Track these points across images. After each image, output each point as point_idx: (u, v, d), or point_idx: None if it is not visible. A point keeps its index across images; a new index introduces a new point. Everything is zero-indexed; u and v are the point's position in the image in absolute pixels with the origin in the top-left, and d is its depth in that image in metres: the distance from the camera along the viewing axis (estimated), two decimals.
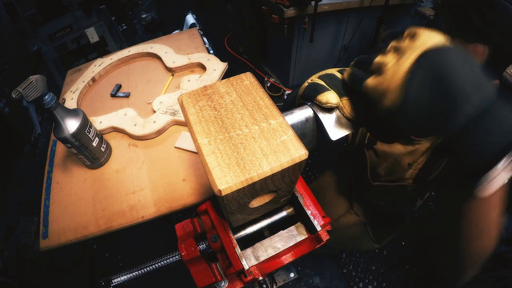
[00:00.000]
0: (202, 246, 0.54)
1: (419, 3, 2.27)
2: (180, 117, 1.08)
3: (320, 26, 2.36)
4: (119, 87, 1.29)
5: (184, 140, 1.03)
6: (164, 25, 3.53)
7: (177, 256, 0.54)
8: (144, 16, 3.25)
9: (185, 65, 1.28)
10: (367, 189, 1.10)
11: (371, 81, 0.39)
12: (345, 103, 0.46)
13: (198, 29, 1.58)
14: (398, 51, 0.37)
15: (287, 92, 2.87)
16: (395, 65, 0.37)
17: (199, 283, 0.55)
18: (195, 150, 0.96)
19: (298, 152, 0.41)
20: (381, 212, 1.15)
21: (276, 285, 0.92)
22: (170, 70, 1.31)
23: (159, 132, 1.06)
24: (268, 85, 2.95)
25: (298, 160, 0.41)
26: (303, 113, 0.51)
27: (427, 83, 0.35)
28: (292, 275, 0.98)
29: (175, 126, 1.09)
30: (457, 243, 0.49)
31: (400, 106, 0.36)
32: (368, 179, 1.04)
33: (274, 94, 2.89)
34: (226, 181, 0.38)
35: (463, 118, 0.34)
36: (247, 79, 0.51)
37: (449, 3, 0.65)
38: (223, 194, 0.38)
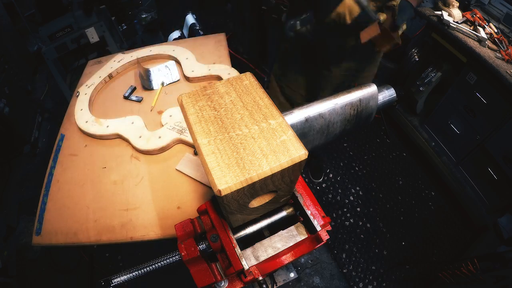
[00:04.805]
0: (202, 246, 0.54)
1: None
2: (187, 137, 1.01)
3: None
4: (133, 89, 1.23)
5: (186, 164, 0.98)
6: (164, 25, 3.53)
7: (177, 256, 0.54)
8: (144, 16, 3.24)
9: (203, 76, 1.22)
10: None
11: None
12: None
13: (225, 35, 1.48)
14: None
15: None
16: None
17: (199, 283, 0.55)
18: (196, 178, 0.93)
19: (298, 152, 0.41)
20: None
21: (276, 285, 0.92)
22: (187, 78, 1.25)
23: (163, 150, 1.02)
24: None
25: (298, 160, 0.41)
26: (302, 113, 0.51)
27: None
28: (292, 275, 0.98)
29: (180, 145, 1.04)
30: None
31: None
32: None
33: None
34: (225, 181, 0.38)
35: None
36: (246, 79, 0.51)
37: None
38: (223, 194, 0.38)
